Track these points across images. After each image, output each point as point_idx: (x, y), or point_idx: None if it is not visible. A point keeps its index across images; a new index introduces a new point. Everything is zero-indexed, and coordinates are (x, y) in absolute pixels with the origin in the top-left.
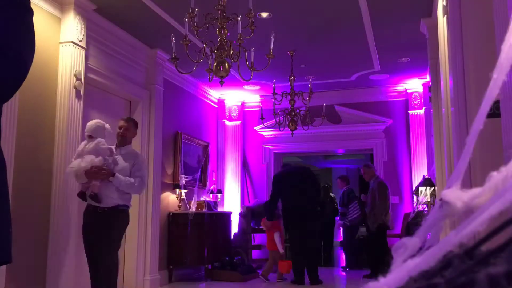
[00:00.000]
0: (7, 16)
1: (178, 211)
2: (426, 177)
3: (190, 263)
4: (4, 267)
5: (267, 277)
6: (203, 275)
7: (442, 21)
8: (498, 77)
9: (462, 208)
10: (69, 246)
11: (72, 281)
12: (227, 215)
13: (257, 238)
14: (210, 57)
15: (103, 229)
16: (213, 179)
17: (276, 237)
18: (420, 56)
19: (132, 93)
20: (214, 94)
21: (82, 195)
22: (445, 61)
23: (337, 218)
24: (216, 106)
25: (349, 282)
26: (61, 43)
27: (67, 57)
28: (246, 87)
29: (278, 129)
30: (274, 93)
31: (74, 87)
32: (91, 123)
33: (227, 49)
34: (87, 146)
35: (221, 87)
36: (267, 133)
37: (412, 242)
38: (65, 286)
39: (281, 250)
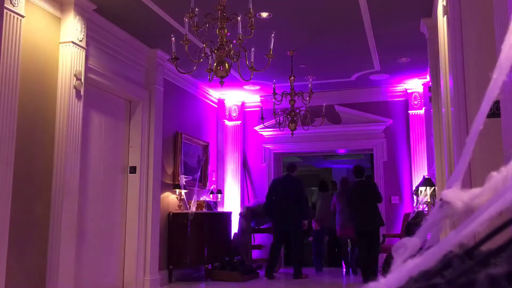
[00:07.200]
0: None
1: (178, 211)
2: (426, 177)
3: (190, 263)
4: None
5: None
6: (203, 275)
7: (442, 21)
8: (498, 77)
9: (462, 208)
10: (69, 246)
11: (72, 281)
12: (227, 215)
13: (257, 238)
14: (210, 57)
15: None
16: (213, 179)
17: None
18: (420, 56)
19: (132, 93)
20: (214, 94)
21: None
22: (445, 61)
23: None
24: (216, 106)
25: None
26: (61, 43)
27: (67, 57)
28: (246, 87)
29: (278, 129)
30: (274, 93)
31: (74, 87)
32: None
33: (227, 49)
34: None
35: (221, 87)
36: (267, 133)
37: (412, 242)
38: (65, 286)
39: None
